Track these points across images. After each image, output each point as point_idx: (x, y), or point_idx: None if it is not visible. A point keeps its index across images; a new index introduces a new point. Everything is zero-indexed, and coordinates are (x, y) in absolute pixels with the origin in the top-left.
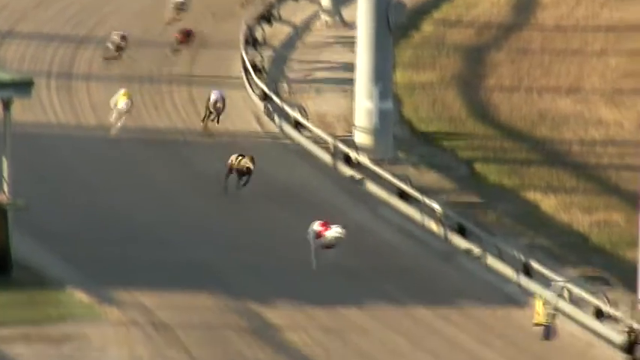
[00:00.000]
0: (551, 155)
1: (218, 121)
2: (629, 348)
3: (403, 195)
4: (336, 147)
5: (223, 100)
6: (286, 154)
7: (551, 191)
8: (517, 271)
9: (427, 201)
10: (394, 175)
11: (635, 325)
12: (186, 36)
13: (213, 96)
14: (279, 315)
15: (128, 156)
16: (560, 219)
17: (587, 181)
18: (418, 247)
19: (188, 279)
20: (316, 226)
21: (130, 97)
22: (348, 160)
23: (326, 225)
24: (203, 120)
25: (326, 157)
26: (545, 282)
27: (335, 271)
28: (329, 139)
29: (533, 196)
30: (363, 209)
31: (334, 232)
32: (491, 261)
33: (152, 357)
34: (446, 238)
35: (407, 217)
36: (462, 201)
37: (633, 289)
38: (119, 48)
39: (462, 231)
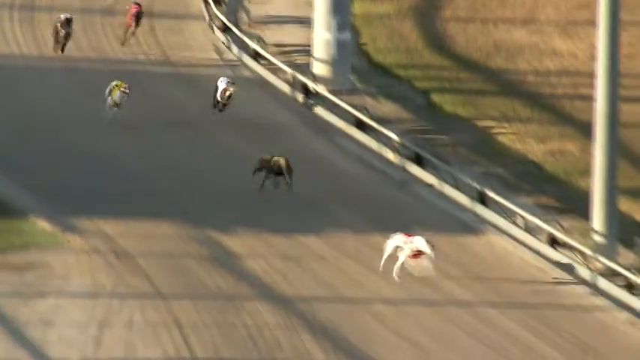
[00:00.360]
0: (507, 85)
1: (221, 109)
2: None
3: (361, 125)
4: (294, 77)
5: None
6: (245, 84)
7: (506, 121)
8: (473, 199)
9: (384, 131)
10: (352, 105)
11: None
12: (137, 18)
13: (222, 85)
14: (238, 243)
15: (91, 87)
16: (515, 148)
17: (542, 111)
18: (375, 176)
19: (150, 208)
20: (399, 238)
21: (124, 87)
22: (306, 90)
23: (409, 236)
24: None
25: (285, 88)
26: (500, 209)
27: (293, 199)
28: (287, 70)
29: (488, 125)
30: (321, 138)
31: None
32: (448, 189)
33: (114, 285)
34: (403, 168)
35: (364, 146)
36: (419, 131)
37: (587, 218)
38: (66, 35)
39: (418, 160)
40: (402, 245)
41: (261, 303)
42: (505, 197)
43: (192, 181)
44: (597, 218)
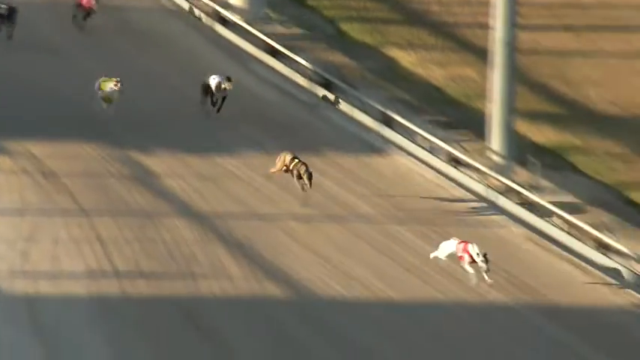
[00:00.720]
0: (411, 14)
1: (219, 109)
2: None
3: (274, 52)
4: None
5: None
6: (166, 14)
7: (411, 48)
8: (379, 121)
9: (296, 58)
10: (265, 33)
11: None
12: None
13: (215, 81)
14: (157, 163)
15: (23, 17)
16: (419, 74)
17: (444, 39)
18: (287, 101)
19: (75, 131)
20: (453, 244)
21: (114, 82)
22: (223, 20)
23: (465, 244)
24: (214, 105)
25: (203, 17)
26: (404, 131)
27: (209, 121)
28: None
29: (393, 52)
30: (236, 65)
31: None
32: (355, 112)
33: (41, 202)
34: (313, 93)
35: (277, 72)
36: (329, 57)
37: (485, 139)
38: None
39: (327, 85)
40: (457, 252)
41: (179, 219)
42: (409, 119)
43: (116, 104)
44: (495, 139)
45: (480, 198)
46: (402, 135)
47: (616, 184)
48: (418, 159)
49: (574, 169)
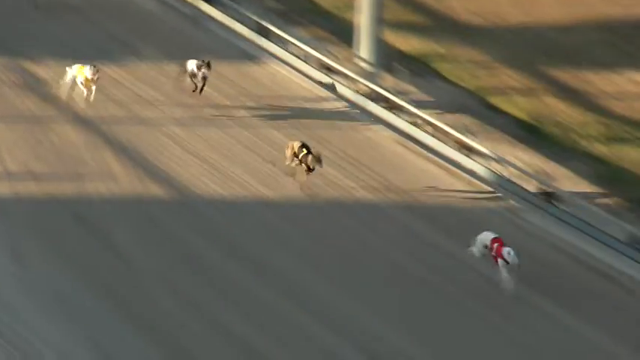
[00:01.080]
0: None
1: (201, 91)
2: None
3: None
4: None
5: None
6: None
7: None
8: (255, 32)
9: None
10: None
11: None
12: None
13: (192, 66)
14: (46, 70)
15: None
16: None
17: None
18: (171, 14)
19: None
20: (487, 236)
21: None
22: None
23: (500, 242)
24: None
25: None
26: (279, 41)
27: (96, 33)
28: None
29: None
30: None
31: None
32: (233, 24)
33: None
34: (194, 5)
35: None
36: None
37: (352, 46)
38: None
39: None
40: (489, 246)
41: (67, 124)
42: (283, 30)
43: (12, 21)
44: (364, 48)
45: (350, 103)
46: (277, 44)
47: (478, 90)
48: (292, 67)
49: (438, 75)
